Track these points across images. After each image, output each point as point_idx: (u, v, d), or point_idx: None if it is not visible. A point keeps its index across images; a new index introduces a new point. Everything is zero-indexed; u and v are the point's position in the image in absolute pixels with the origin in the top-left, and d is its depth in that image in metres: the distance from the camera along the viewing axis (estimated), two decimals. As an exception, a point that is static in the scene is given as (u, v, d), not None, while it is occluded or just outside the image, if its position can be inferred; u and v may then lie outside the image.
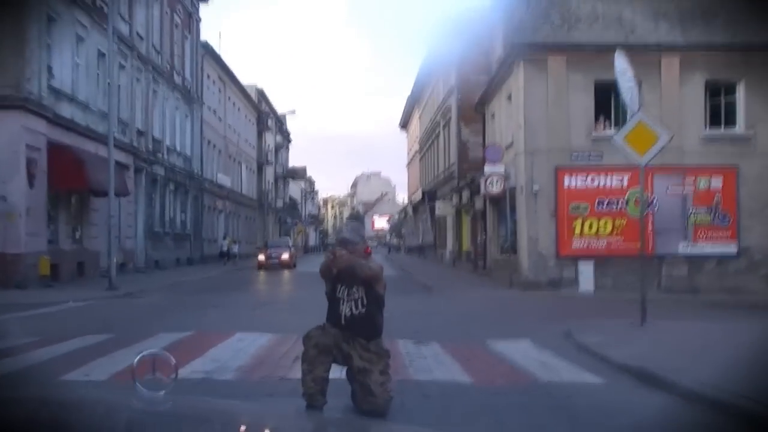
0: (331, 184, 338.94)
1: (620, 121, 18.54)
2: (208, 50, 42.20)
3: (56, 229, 22.08)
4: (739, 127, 19.97)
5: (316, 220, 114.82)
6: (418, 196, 52.14)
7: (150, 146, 30.83)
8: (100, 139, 22.85)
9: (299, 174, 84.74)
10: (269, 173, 64.82)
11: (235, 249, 40.34)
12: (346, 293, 5.43)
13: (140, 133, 29.78)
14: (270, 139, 65.25)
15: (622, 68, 11.66)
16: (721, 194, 19.63)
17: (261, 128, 60.05)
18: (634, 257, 16.98)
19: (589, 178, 19.62)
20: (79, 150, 22.30)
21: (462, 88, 34.70)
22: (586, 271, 19.26)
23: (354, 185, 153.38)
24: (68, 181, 21.30)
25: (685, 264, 19.62)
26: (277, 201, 69.72)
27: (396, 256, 62.60)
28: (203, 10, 41.22)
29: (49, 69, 21.07)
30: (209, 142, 42.64)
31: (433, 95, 44.48)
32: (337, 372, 5.50)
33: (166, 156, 33.43)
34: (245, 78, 56.99)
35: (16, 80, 19.40)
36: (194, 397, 4.67)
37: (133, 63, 28.75)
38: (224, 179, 45.77)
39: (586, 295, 18.30)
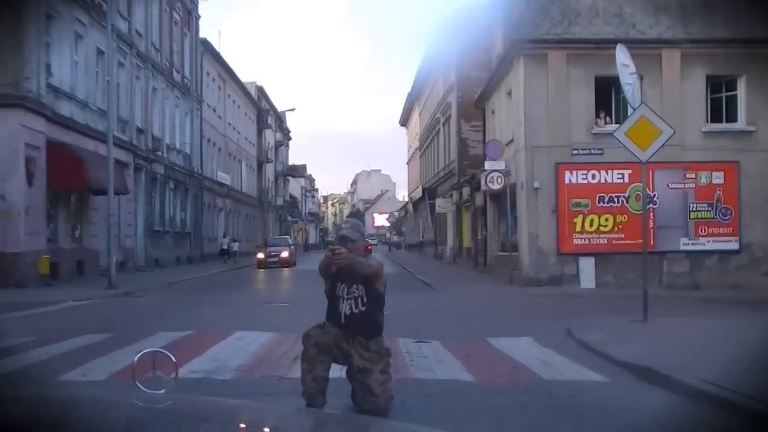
0: (331, 181, 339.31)
1: (621, 117, 18.48)
2: (207, 48, 42.14)
3: (56, 227, 22.04)
4: (740, 122, 19.90)
5: (317, 217, 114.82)
6: (419, 193, 52.09)
7: (149, 144, 30.77)
8: (100, 137, 22.81)
9: (299, 172, 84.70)
10: (269, 171, 64.77)
11: (235, 247, 40.31)
12: (345, 291, 5.37)
13: (140, 131, 29.73)
14: (270, 137, 65.20)
15: (623, 63, 11.59)
16: (722, 190, 19.57)
17: (261, 126, 59.98)
18: (635, 254, 16.99)
19: (590, 174, 19.56)
20: (79, 148, 22.26)
21: (462, 84, 34.62)
22: (587, 268, 19.21)
23: (354, 183, 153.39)
24: (67, 179, 21.26)
25: (686, 260, 19.56)
26: (277, 199, 69.69)
27: (396, 253, 62.56)
28: (202, 8, 41.28)
29: (48, 67, 21.02)
30: (209, 139, 42.59)
31: (433, 92, 44.41)
32: (337, 371, 5.44)
33: (165, 154, 33.39)
34: (245, 75, 56.83)
35: (14, 78, 19.36)
36: (195, 395, 4.64)
37: (133, 61, 28.69)
38: (224, 177, 45.73)
39: (587, 292, 18.23)
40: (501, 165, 21.58)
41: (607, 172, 19.53)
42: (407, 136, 67.21)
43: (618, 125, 13.60)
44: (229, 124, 48.46)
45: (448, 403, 6.09)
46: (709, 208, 19.59)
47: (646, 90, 17.16)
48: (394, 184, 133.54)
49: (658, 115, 11.42)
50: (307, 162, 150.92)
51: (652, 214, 18.58)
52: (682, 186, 19.52)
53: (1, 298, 15.60)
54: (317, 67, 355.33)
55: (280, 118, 70.93)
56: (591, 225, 19.54)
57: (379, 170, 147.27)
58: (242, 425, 2.24)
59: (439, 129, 41.95)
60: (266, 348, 8.97)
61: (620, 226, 19.42)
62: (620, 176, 19.40)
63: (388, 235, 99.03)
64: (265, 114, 61.11)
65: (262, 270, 32.73)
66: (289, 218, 76.28)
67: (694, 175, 19.52)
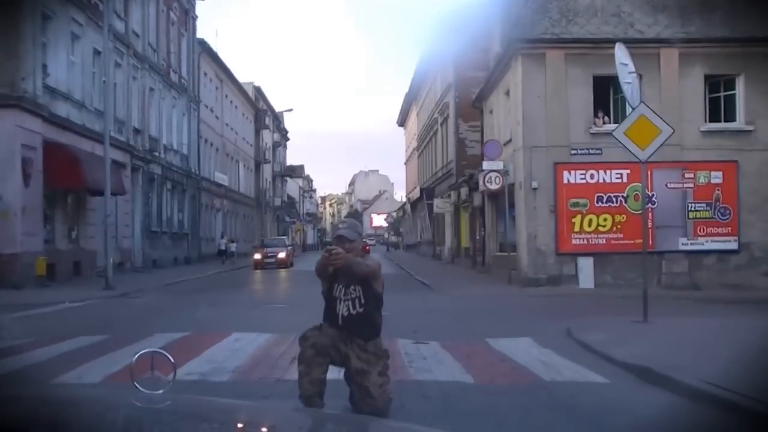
0: (329, 181, 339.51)
1: (619, 116, 18.44)
2: (204, 48, 42.08)
3: (52, 228, 21.96)
4: (739, 122, 19.86)
5: (314, 218, 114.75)
6: (416, 193, 52.05)
7: (147, 145, 30.69)
8: (96, 137, 22.74)
9: (297, 172, 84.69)
10: (267, 171, 64.69)
11: (233, 248, 40.25)
12: (343, 292, 5.29)
13: (137, 131, 29.65)
14: (268, 137, 65.14)
15: (622, 62, 11.54)
16: (721, 189, 19.52)
17: (258, 126, 59.92)
18: (634, 253, 16.95)
19: (589, 174, 19.51)
20: (75, 149, 22.17)
21: (460, 84, 34.58)
22: (586, 268, 19.17)
23: (352, 183, 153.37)
24: (64, 180, 21.18)
25: (685, 260, 19.51)
26: (275, 199, 69.62)
27: (395, 253, 62.52)
28: (199, 8, 41.11)
29: (44, 67, 20.94)
30: (206, 140, 42.51)
31: (431, 92, 44.37)
32: (335, 373, 5.37)
33: (163, 154, 33.30)
34: (242, 76, 56.95)
35: (10, 79, 19.27)
36: (193, 395, 4.60)
37: (129, 61, 28.61)
38: (222, 178, 45.66)
39: (586, 292, 18.18)
40: (499, 165, 21.52)
41: (605, 172, 19.48)
42: (405, 136, 67.18)
43: (616, 125, 13.57)
44: (227, 124, 48.39)
45: (448, 405, 6.03)
46: (708, 208, 19.55)
47: (644, 89, 17.11)
48: (392, 184, 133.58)
49: (658, 114, 11.37)
50: (305, 162, 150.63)
51: (650, 213, 18.52)
52: (680, 186, 19.47)
53: (-3, 300, 15.51)
54: (315, 67, 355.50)
55: (277, 119, 70.89)
56: (589, 225, 19.49)
57: (377, 170, 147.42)
58: (241, 425, 2.23)
59: (437, 129, 41.92)
60: (263, 349, 8.91)
61: (619, 226, 19.37)
62: (619, 176, 19.36)
63: (386, 236, 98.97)
64: (262, 114, 61.04)
65: (259, 271, 32.63)
66: (287, 219, 76.21)
67: (692, 175, 19.48)
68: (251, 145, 57.56)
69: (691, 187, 19.51)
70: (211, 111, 43.95)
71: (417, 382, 6.85)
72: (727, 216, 19.50)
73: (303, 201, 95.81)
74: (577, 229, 19.49)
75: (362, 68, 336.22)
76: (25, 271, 19.04)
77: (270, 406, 4.14)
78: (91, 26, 23.80)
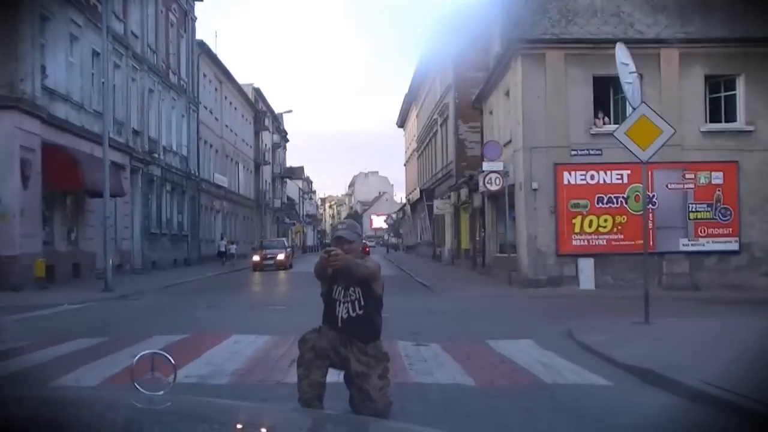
0: (329, 182, 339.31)
1: (620, 117, 18.41)
2: (204, 49, 42.05)
3: (51, 230, 21.90)
4: (740, 122, 19.81)
5: (314, 219, 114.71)
6: (416, 194, 52.00)
7: (146, 146, 30.64)
8: (95, 139, 22.70)
9: (297, 173, 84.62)
10: (267, 173, 64.64)
11: (233, 249, 40.18)
12: (342, 294, 5.22)
13: (136, 133, 29.60)
14: (267, 139, 65.10)
15: (623, 62, 11.49)
16: (722, 190, 19.48)
17: (258, 127, 59.88)
18: (635, 254, 16.91)
19: (589, 175, 19.46)
20: (74, 150, 22.10)
21: (459, 85, 34.53)
22: (586, 269, 19.12)
23: (352, 184, 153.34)
24: (63, 181, 21.12)
25: (686, 261, 19.47)
26: (275, 201, 69.56)
27: (394, 255, 62.47)
28: (199, 9, 41.08)
29: (43, 69, 20.88)
30: (206, 141, 42.47)
31: (431, 93, 44.33)
32: (334, 376, 5.31)
33: (162, 156, 33.25)
34: (242, 77, 56.93)
35: (9, 80, 19.23)
36: (193, 396, 4.58)
37: (128, 62, 28.55)
38: (221, 179, 45.62)
39: (587, 293, 18.13)
40: (499, 166, 21.47)
41: (605, 173, 19.43)
42: (405, 137, 67.13)
43: (617, 125, 13.53)
44: (226, 126, 48.35)
45: (449, 407, 5.97)
46: (709, 209, 19.51)
47: (644, 90, 17.05)
48: (392, 185, 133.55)
49: (659, 114, 11.32)
50: (305, 163, 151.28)
51: (651, 214, 18.46)
52: (681, 186, 19.43)
53: (-5, 302, 15.45)
54: (314, 68, 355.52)
55: (277, 120, 70.86)
56: (590, 226, 19.44)
57: (377, 172, 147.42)
58: (241, 426, 2.22)
59: (437, 130, 41.87)
60: (263, 351, 8.85)
61: (619, 227, 19.33)
62: (619, 177, 19.31)
63: (386, 237, 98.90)
64: (262, 116, 61.00)
65: (257, 273, 32.54)
66: (287, 220, 76.15)
67: (693, 176, 19.44)
68: (251, 146, 57.52)
69: (692, 188, 19.47)
70: (211, 112, 43.90)
71: (417, 385, 6.80)
72: (728, 217, 19.45)
73: (303, 202, 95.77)
74: (577, 230, 19.44)
75: (362, 68, 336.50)
76: (24, 273, 18.98)
77: (270, 407, 4.10)
78: (90, 27, 23.75)
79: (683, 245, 19.45)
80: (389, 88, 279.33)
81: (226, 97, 48.53)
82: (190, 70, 39.08)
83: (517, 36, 20.09)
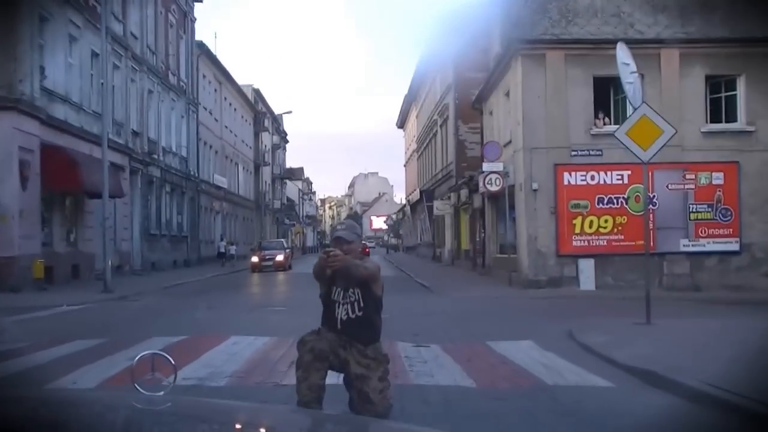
0: (328, 183, 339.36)
1: (620, 117, 18.38)
2: (203, 50, 42.02)
3: (50, 231, 21.86)
4: (740, 122, 19.78)
5: (314, 220, 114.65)
6: (416, 195, 51.96)
7: (145, 147, 30.60)
8: (95, 140, 22.65)
9: (296, 174, 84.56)
10: (266, 174, 64.60)
11: (233, 250, 40.13)
12: (341, 296, 5.16)
13: (135, 134, 29.56)
14: (267, 140, 65.07)
15: (624, 62, 11.45)
16: (722, 190, 19.44)
17: (258, 128, 59.85)
18: (635, 255, 16.87)
19: (589, 175, 19.43)
20: (73, 151, 22.07)
21: (459, 85, 34.49)
22: (587, 269, 19.08)
23: (351, 185, 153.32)
24: (62, 182, 21.08)
25: (687, 261, 19.43)
26: (275, 202, 69.52)
27: (394, 256, 62.44)
28: (198, 10, 41.03)
29: (42, 69, 20.84)
30: (205, 142, 42.44)
31: (431, 93, 44.29)
32: (334, 377, 5.26)
33: (161, 157, 33.22)
34: (241, 78, 56.91)
35: (8, 81, 19.19)
36: (193, 397, 4.56)
37: (128, 63, 28.52)
38: (221, 180, 45.59)
39: (587, 294, 18.10)
40: (499, 166, 21.43)
41: (606, 173, 19.40)
42: (405, 138, 67.10)
43: (617, 126, 13.50)
44: (226, 126, 48.32)
45: (450, 409, 5.93)
46: (709, 209, 19.47)
47: (645, 89, 17.02)
48: (392, 186, 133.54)
49: (660, 114, 11.28)
50: (305, 164, 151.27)
51: (651, 215, 18.42)
52: (681, 187, 19.40)
53: (-6, 303, 15.41)
54: (314, 69, 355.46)
55: (276, 121, 70.83)
56: (590, 226, 19.40)
57: (377, 173, 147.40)
58: (240, 426, 2.22)
59: (437, 131, 41.83)
60: (262, 353, 8.81)
61: (620, 228, 19.29)
62: (619, 177, 19.27)
63: (385, 238, 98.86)
64: (261, 117, 60.98)
65: (256, 274, 32.46)
66: (287, 221, 76.11)
67: (693, 176, 19.40)
68: (250, 147, 57.49)
69: (692, 188, 19.43)
70: (210, 113, 43.88)
71: (418, 387, 6.76)
72: (729, 217, 19.42)
73: (302, 203, 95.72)
74: (577, 230, 19.41)
75: (362, 68, 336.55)
76: (23, 274, 18.94)
77: (270, 407, 4.06)
78: (89, 28, 23.71)
79: (684, 246, 19.42)
80: (389, 89, 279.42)
81: (225, 98, 48.51)
82: (190, 71, 39.05)
83: (517, 36, 20.05)
